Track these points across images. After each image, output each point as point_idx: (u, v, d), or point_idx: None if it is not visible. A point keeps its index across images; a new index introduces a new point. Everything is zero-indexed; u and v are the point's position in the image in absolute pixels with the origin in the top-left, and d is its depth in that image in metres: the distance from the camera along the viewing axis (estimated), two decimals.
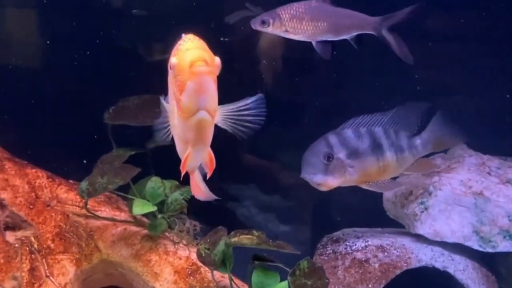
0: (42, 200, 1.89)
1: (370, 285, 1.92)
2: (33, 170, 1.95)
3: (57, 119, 2.21)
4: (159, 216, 1.84)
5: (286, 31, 1.91)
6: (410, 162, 1.96)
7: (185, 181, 1.95)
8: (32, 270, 1.75)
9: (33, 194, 1.88)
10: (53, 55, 2.20)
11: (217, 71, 1.14)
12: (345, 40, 2.01)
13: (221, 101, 1.25)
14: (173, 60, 1.13)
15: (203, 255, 1.64)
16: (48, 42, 2.23)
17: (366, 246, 2.02)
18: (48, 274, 1.76)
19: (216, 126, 1.26)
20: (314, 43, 1.93)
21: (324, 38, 1.93)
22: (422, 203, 2.04)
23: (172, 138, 1.30)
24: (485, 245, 1.99)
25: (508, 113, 2.34)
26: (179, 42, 1.14)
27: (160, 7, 2.21)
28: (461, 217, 2.01)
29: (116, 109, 1.95)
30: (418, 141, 1.97)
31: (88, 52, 2.17)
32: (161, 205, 1.85)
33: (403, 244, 2.03)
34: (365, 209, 2.40)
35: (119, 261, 1.84)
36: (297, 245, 1.90)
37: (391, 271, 1.95)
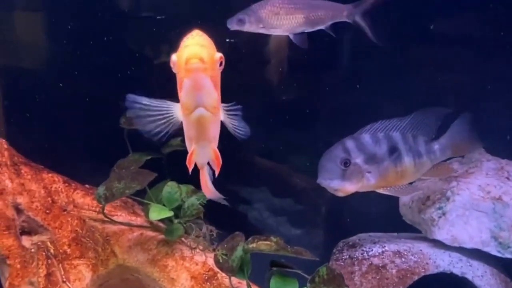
0: (59, 205, 1.89)
1: None
2: (49, 175, 1.95)
3: (72, 123, 2.21)
4: (175, 221, 1.84)
5: (263, 27, 1.93)
6: (428, 167, 1.94)
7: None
8: (49, 275, 1.75)
9: (49, 199, 1.88)
10: (70, 60, 2.19)
11: (215, 68, 1.14)
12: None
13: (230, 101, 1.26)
14: (173, 57, 1.15)
15: (221, 261, 1.63)
16: (65, 46, 2.22)
17: (383, 252, 2.00)
18: (64, 280, 1.76)
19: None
20: (291, 36, 1.96)
21: (300, 31, 1.96)
22: (439, 208, 2.02)
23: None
24: (503, 251, 1.97)
25: None
26: (183, 39, 1.14)
27: (170, 10, 2.20)
28: (479, 223, 1.98)
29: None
30: (436, 146, 1.95)
31: (105, 57, 2.17)
32: (177, 210, 1.84)
33: (421, 250, 2.00)
34: (378, 213, 2.38)
35: (135, 266, 1.83)
36: (309, 249, 1.89)
37: (408, 277, 1.93)
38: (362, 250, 2.04)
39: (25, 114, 2.19)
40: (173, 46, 1.21)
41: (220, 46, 1.22)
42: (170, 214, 1.79)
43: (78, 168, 2.12)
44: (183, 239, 1.85)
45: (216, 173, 1.36)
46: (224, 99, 1.28)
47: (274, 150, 2.51)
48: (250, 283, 1.67)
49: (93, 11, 2.19)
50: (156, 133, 1.28)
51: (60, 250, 1.81)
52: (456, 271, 1.95)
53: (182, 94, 1.16)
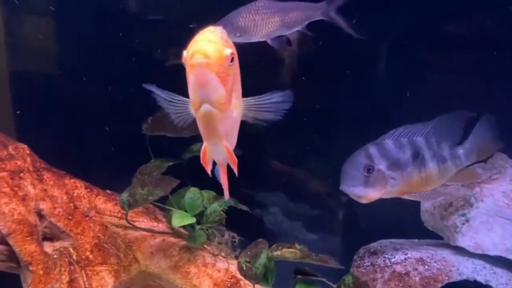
0: (81, 210, 1.89)
1: None
2: (71, 180, 1.94)
3: (93, 128, 2.21)
4: (197, 227, 1.83)
5: (240, 36, 1.91)
6: (452, 172, 1.92)
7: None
8: (71, 281, 1.75)
9: (71, 204, 1.88)
10: (92, 65, 2.19)
11: (223, 64, 1.11)
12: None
13: None
14: (183, 53, 1.13)
15: (244, 268, 1.62)
16: (84, 49, 2.22)
17: (405, 259, 1.98)
18: (87, 286, 1.76)
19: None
20: (269, 41, 1.95)
21: (278, 34, 1.95)
22: (463, 215, 2.00)
23: None
24: None
25: None
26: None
27: (179, 13, 2.19)
28: (503, 230, 1.96)
29: (155, 119, 1.94)
30: (461, 151, 1.92)
31: (127, 62, 2.16)
32: (199, 216, 1.84)
33: (444, 257, 1.98)
34: (396, 219, 2.36)
35: (157, 273, 1.83)
36: (325, 254, 1.88)
37: (432, 284, 1.91)
38: (384, 257, 2.02)
39: (45, 119, 2.19)
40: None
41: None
42: (192, 220, 1.78)
43: (98, 173, 2.12)
44: (205, 245, 1.84)
45: (235, 171, 1.33)
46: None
47: (291, 154, 2.50)
48: None
49: (109, 13, 2.20)
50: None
51: (83, 256, 1.80)
52: (480, 278, 1.93)
53: (189, 90, 1.15)
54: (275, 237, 2.61)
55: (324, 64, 2.29)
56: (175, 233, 1.89)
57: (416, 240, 2.22)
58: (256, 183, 2.47)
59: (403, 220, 2.37)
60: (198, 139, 1.32)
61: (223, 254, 1.81)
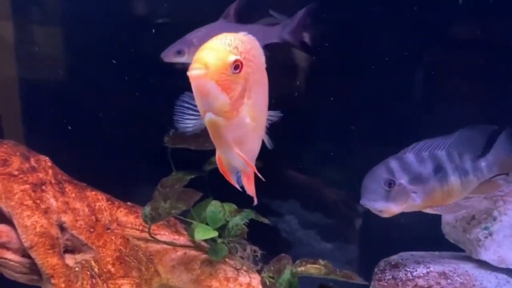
0: (102, 223, 1.89)
1: None
2: (93, 193, 1.95)
3: (114, 141, 2.21)
4: (219, 240, 1.83)
5: None
6: (474, 185, 1.90)
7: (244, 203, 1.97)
8: None
9: (93, 217, 1.88)
10: (113, 77, 2.20)
11: (225, 71, 1.10)
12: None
13: None
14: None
15: (268, 283, 1.61)
16: (108, 64, 2.23)
17: (428, 272, 1.96)
18: None
19: None
20: None
21: None
22: (486, 228, 1.98)
23: None
24: None
25: None
26: None
27: (187, 17, 2.19)
28: None
29: (176, 132, 1.94)
30: (483, 163, 1.91)
31: (149, 75, 2.17)
32: (221, 230, 1.83)
33: (466, 271, 1.96)
34: (412, 229, 2.34)
35: (179, 286, 1.83)
36: (342, 265, 1.87)
37: None
38: (406, 270, 2.01)
39: (66, 131, 2.20)
40: None
41: None
42: (215, 234, 1.78)
43: (118, 185, 2.12)
44: (226, 259, 1.84)
45: (259, 176, 1.32)
46: None
47: (306, 163, 2.49)
48: None
49: (122, 20, 2.21)
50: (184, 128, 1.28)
51: (104, 269, 1.81)
52: None
53: None
54: (290, 246, 2.60)
55: (342, 71, 2.27)
56: (196, 246, 1.88)
57: (437, 253, 2.20)
58: (271, 192, 2.46)
59: (421, 231, 2.35)
60: None
61: (245, 268, 1.80)
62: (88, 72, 2.29)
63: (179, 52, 1.90)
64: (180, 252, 1.87)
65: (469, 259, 2.05)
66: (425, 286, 1.93)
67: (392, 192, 1.80)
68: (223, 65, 1.10)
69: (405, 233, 2.37)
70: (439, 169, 1.85)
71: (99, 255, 1.83)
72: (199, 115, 1.23)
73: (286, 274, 1.58)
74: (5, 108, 2.34)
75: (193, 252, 1.87)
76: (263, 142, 1.33)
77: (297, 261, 1.63)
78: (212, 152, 1.99)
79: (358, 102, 2.34)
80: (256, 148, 1.31)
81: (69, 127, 2.20)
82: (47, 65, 2.32)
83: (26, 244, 1.77)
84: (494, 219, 1.98)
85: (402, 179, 1.81)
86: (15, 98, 2.34)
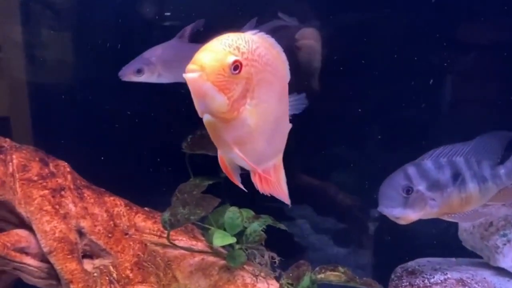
0: (120, 228, 1.90)
1: None
2: (111, 198, 1.95)
3: (131, 146, 2.22)
4: (237, 247, 1.83)
5: (159, 75, 1.90)
6: (493, 192, 1.89)
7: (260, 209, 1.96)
8: None
9: (111, 222, 1.89)
10: (129, 81, 2.20)
11: (223, 72, 1.10)
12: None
13: None
14: None
15: None
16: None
17: (445, 279, 1.95)
18: None
19: None
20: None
21: None
22: (504, 235, 1.97)
23: None
24: None
25: None
26: None
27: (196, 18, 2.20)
28: None
29: (195, 138, 1.95)
30: (502, 170, 1.89)
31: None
32: (239, 236, 1.83)
33: (484, 278, 1.95)
34: (427, 235, 2.33)
35: None
36: (355, 269, 1.86)
37: None
38: (423, 277, 2.00)
39: (85, 137, 2.21)
40: None
41: None
42: (233, 240, 1.78)
43: (136, 190, 2.13)
44: (244, 265, 1.84)
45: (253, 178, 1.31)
46: None
47: (319, 166, 2.48)
48: None
49: (132, 24, 2.21)
50: None
51: (123, 275, 1.81)
52: None
53: None
54: (304, 251, 2.60)
55: (357, 73, 2.27)
56: (214, 252, 1.88)
57: (454, 259, 2.19)
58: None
59: (435, 237, 2.34)
60: None
61: (263, 274, 1.80)
62: (104, 76, 2.30)
63: (139, 71, 1.89)
64: (198, 258, 1.88)
65: (486, 266, 2.04)
66: None
67: (410, 199, 1.79)
68: (220, 66, 1.10)
69: (419, 239, 2.36)
70: (457, 176, 1.84)
71: (118, 261, 1.84)
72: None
73: (306, 281, 1.58)
74: (15, 112, 2.36)
75: (211, 258, 1.87)
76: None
77: (317, 268, 1.62)
78: None
79: (374, 106, 2.34)
80: (262, 148, 1.28)
81: (87, 132, 2.21)
82: (62, 68, 2.33)
83: (45, 249, 1.79)
84: None
85: (420, 186, 1.80)
86: (24, 101, 2.35)
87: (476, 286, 1.92)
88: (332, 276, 1.57)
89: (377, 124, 2.38)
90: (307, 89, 2.32)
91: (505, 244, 1.96)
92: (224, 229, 1.84)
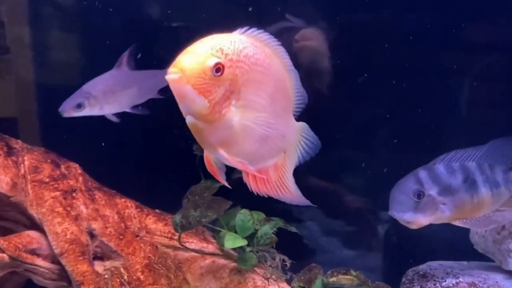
0: (131, 230, 1.90)
1: None
2: (122, 200, 1.96)
3: (142, 148, 2.22)
4: (248, 249, 1.82)
5: (101, 108, 1.90)
6: (506, 197, 1.88)
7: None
8: None
9: (122, 224, 1.89)
10: None
11: (204, 75, 1.10)
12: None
13: None
14: None
15: None
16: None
17: (457, 283, 1.95)
18: None
19: None
20: (129, 110, 1.97)
21: (136, 103, 1.98)
22: None
23: None
24: None
25: None
26: None
27: (202, 19, 2.19)
28: None
29: None
30: None
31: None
32: (250, 238, 1.83)
33: (497, 282, 1.94)
34: (437, 238, 2.32)
35: None
36: (364, 272, 1.85)
37: None
38: (435, 280, 1.99)
39: (96, 140, 2.21)
40: None
41: None
42: (244, 243, 1.77)
43: (146, 192, 2.13)
44: (255, 268, 1.84)
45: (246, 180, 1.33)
46: None
47: (329, 168, 2.47)
48: None
49: (139, 26, 2.21)
50: None
51: (134, 277, 1.81)
52: None
53: None
54: (312, 253, 2.59)
55: (367, 74, 2.26)
56: (225, 254, 1.88)
57: (465, 263, 2.18)
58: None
59: (445, 240, 2.33)
60: None
61: (274, 277, 1.80)
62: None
63: (79, 106, 1.88)
64: (209, 260, 1.88)
65: (498, 269, 2.03)
66: None
67: (421, 203, 1.78)
68: (201, 68, 1.10)
69: (429, 242, 2.35)
70: (469, 181, 1.83)
71: (129, 262, 1.84)
72: None
73: (317, 285, 1.58)
74: (23, 113, 2.37)
75: (221, 261, 1.87)
76: None
77: (329, 272, 1.62)
78: None
79: (384, 109, 2.33)
80: (253, 149, 1.27)
81: (95, 134, 2.20)
82: (70, 69, 2.34)
83: (57, 251, 1.79)
84: None
85: (432, 190, 1.79)
86: (32, 102, 2.36)
87: None
88: (344, 279, 1.57)
89: (389, 126, 2.37)
90: (314, 90, 2.32)
91: None
92: (235, 232, 1.83)
